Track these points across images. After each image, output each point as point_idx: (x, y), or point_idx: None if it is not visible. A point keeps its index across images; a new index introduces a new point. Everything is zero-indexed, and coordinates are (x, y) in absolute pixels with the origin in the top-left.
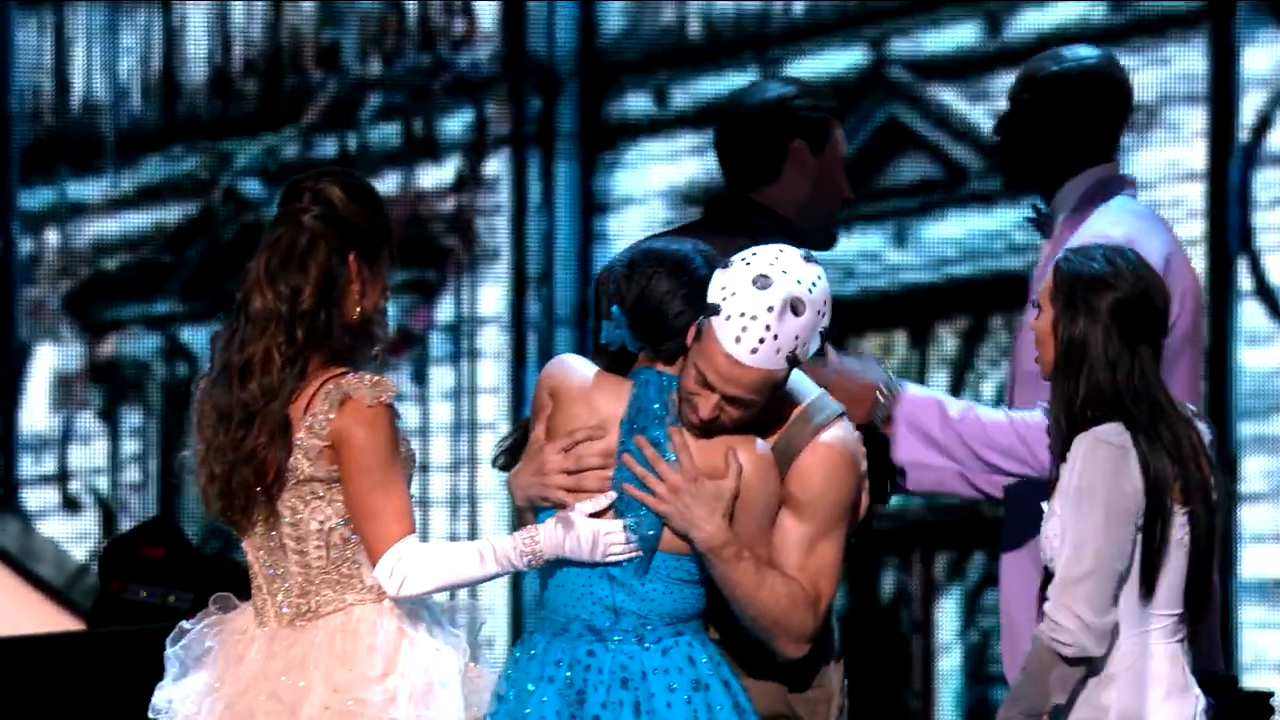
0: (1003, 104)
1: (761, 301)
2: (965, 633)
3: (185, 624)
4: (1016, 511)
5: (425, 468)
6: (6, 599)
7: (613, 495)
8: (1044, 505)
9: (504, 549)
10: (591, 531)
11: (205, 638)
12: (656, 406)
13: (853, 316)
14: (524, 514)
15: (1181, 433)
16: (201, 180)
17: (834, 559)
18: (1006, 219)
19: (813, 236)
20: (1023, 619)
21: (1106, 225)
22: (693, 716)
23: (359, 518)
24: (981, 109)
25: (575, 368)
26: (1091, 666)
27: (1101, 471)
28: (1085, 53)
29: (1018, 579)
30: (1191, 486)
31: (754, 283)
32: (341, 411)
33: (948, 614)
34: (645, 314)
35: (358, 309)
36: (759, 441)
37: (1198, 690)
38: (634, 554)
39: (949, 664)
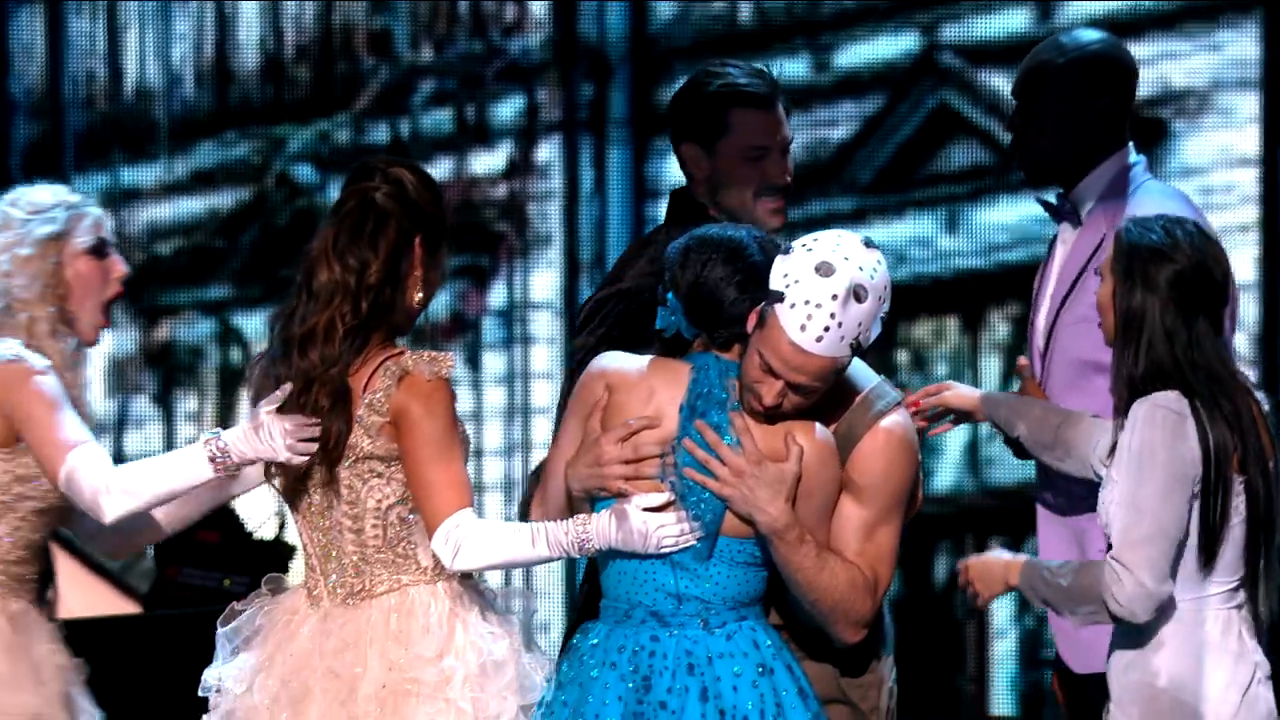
0: (1012, 86)
1: (826, 289)
2: (1020, 618)
3: (237, 605)
4: (1055, 491)
5: (479, 453)
6: (65, 583)
7: (669, 495)
8: (1101, 472)
9: (556, 534)
10: (644, 524)
11: (256, 618)
12: (719, 391)
13: (905, 302)
14: (580, 505)
15: (1241, 403)
16: (254, 166)
17: (892, 545)
18: None
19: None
20: None
21: (1153, 206)
22: (759, 701)
23: (418, 490)
24: None
25: (627, 360)
26: (1143, 630)
27: (1161, 437)
28: (1088, 38)
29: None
30: (1250, 456)
31: (817, 270)
32: (401, 387)
33: (1002, 599)
34: (700, 300)
35: (418, 295)
36: (820, 427)
37: (1259, 656)
38: (687, 546)
39: (1003, 649)
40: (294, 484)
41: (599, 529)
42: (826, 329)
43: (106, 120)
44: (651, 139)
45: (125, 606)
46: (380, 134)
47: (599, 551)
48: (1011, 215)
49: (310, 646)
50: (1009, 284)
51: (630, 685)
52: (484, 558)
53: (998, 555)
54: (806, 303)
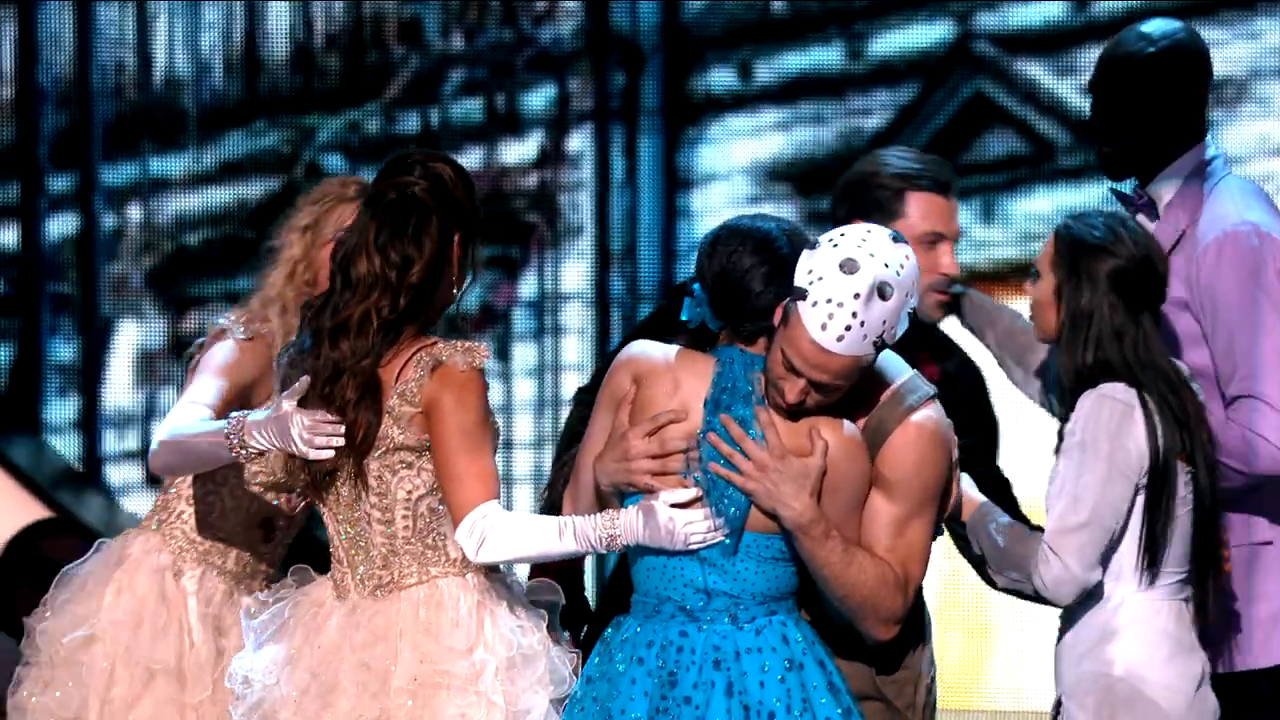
0: (1090, 78)
1: (848, 287)
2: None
3: (261, 595)
4: None
5: (508, 445)
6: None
7: (697, 491)
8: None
9: (584, 529)
10: (671, 521)
11: (283, 610)
12: (743, 384)
13: None
14: (609, 499)
15: (1185, 397)
16: (284, 155)
17: (924, 541)
18: (1095, 194)
19: None
20: None
21: (1235, 204)
22: (786, 696)
23: (445, 481)
24: (1069, 83)
25: (654, 350)
26: (1096, 621)
27: (1106, 427)
28: (1169, 28)
29: None
30: (1197, 450)
31: (841, 267)
32: (434, 377)
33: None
34: (726, 291)
35: (453, 289)
36: (847, 423)
37: (1202, 652)
38: (716, 542)
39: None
40: (321, 476)
41: (627, 525)
42: (848, 328)
43: (135, 110)
44: (684, 128)
45: None
46: (410, 123)
47: (627, 547)
48: (1048, 205)
49: (339, 638)
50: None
51: (656, 680)
52: (509, 551)
53: (966, 487)
54: (829, 301)
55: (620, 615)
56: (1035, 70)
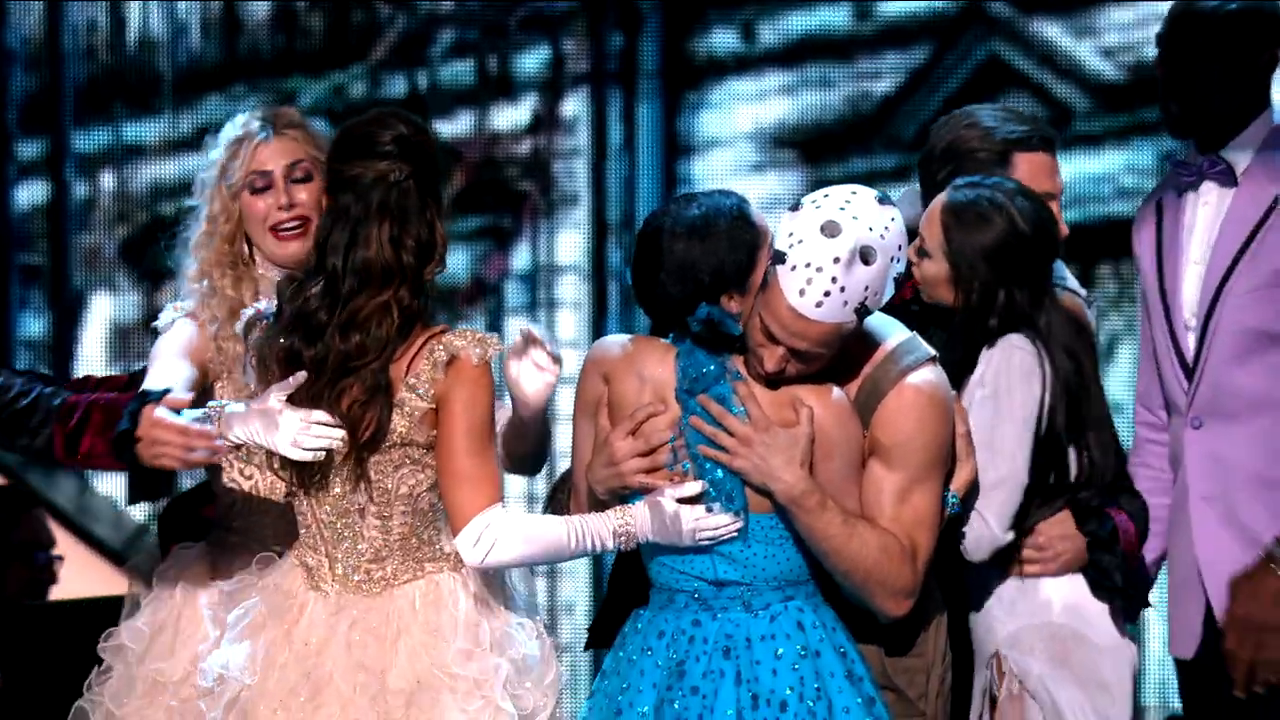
0: (1111, 39)
1: (828, 251)
2: None
3: (225, 586)
4: (1213, 480)
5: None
6: (65, 562)
7: (702, 485)
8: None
9: (596, 528)
10: (678, 516)
11: (255, 603)
12: (711, 368)
13: None
14: (607, 508)
15: (1078, 347)
16: None
17: (929, 508)
18: (1115, 161)
19: None
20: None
21: None
22: (799, 684)
23: (447, 479)
24: (1087, 45)
25: (614, 344)
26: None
27: (1017, 377)
28: None
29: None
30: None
31: (822, 230)
32: (448, 372)
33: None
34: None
35: (442, 265)
36: (835, 389)
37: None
38: (730, 535)
39: None
40: (312, 475)
41: (640, 521)
42: (827, 294)
43: (108, 72)
44: (684, 92)
45: (126, 587)
46: (398, 87)
47: (639, 543)
48: (1065, 173)
49: (327, 634)
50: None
51: (665, 671)
52: (516, 553)
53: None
54: (808, 265)
55: (639, 608)
56: (1052, 31)
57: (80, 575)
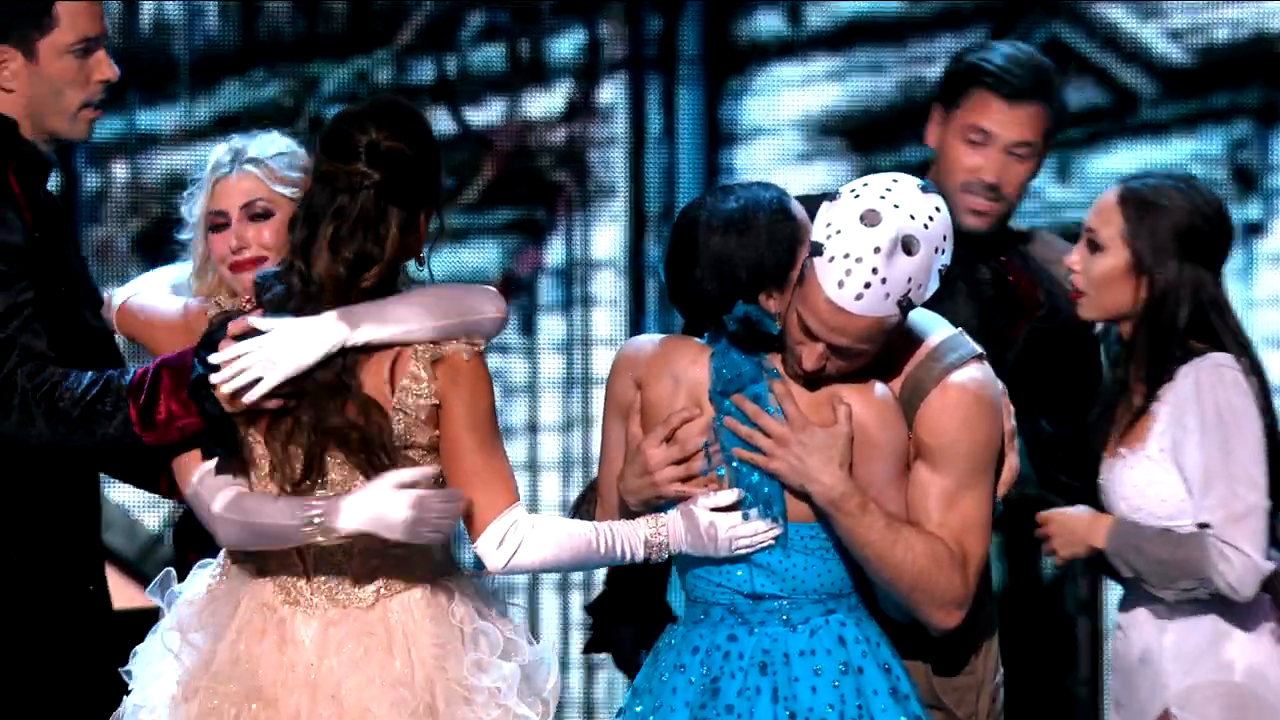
0: (1179, 21)
1: (868, 241)
2: None
3: (187, 595)
4: None
5: (534, 428)
6: None
7: (738, 493)
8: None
9: (626, 537)
10: (713, 526)
11: (223, 605)
12: (747, 368)
13: None
14: (638, 517)
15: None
16: (285, 108)
17: (980, 514)
18: (1183, 150)
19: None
20: None
21: None
22: (840, 702)
23: (461, 482)
24: (1153, 28)
25: (645, 344)
26: (1201, 621)
27: (1240, 396)
28: None
29: None
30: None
31: (861, 219)
32: (439, 372)
33: (1117, 591)
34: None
35: (420, 263)
36: (878, 385)
37: None
38: (767, 544)
39: None
40: (288, 469)
41: (674, 531)
42: (868, 285)
43: (121, 57)
44: (727, 78)
45: (139, 597)
46: (425, 73)
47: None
48: (1130, 162)
49: (320, 646)
50: None
51: (698, 689)
52: (542, 556)
53: (1081, 511)
54: (846, 256)
55: (672, 624)
56: (1116, 13)
57: None
